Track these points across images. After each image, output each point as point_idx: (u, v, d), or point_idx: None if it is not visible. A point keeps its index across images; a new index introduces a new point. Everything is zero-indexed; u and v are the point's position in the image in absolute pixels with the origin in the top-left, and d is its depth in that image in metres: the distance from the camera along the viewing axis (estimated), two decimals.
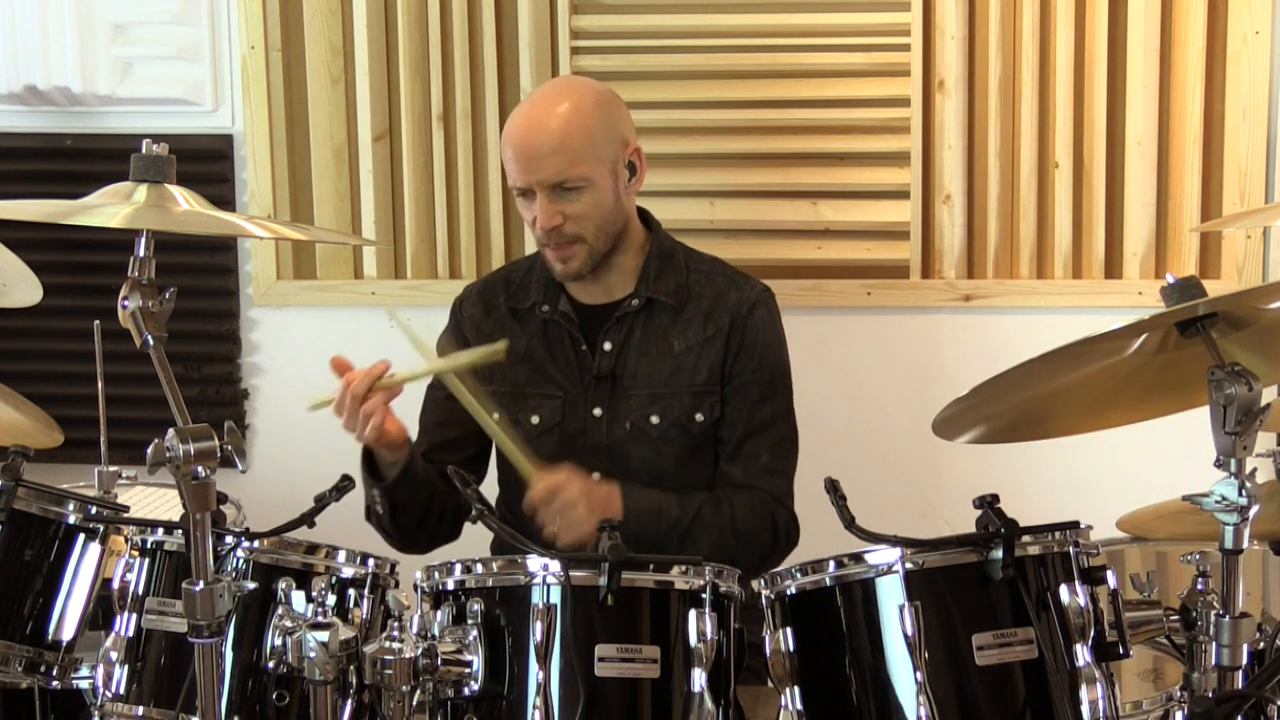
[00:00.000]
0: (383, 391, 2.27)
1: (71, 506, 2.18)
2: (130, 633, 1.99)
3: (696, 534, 2.39)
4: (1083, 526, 1.84)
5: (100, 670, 1.98)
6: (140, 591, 2.00)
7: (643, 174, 2.49)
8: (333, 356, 2.31)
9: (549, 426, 2.50)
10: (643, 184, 2.49)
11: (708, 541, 2.38)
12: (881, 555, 1.79)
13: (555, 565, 1.82)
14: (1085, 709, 1.76)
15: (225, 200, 3.32)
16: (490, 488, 2.58)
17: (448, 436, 2.56)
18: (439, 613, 1.86)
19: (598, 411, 2.48)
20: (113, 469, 2.62)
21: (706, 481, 2.52)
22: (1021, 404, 1.98)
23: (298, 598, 1.86)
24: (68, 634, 2.17)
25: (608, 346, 2.49)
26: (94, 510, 2.19)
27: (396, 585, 2.03)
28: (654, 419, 2.47)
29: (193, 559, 1.66)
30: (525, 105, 2.46)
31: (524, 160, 2.37)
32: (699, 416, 2.48)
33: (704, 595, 1.83)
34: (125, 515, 2.25)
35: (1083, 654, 1.77)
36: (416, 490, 2.41)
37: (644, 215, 2.57)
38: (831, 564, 1.82)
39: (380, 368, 2.28)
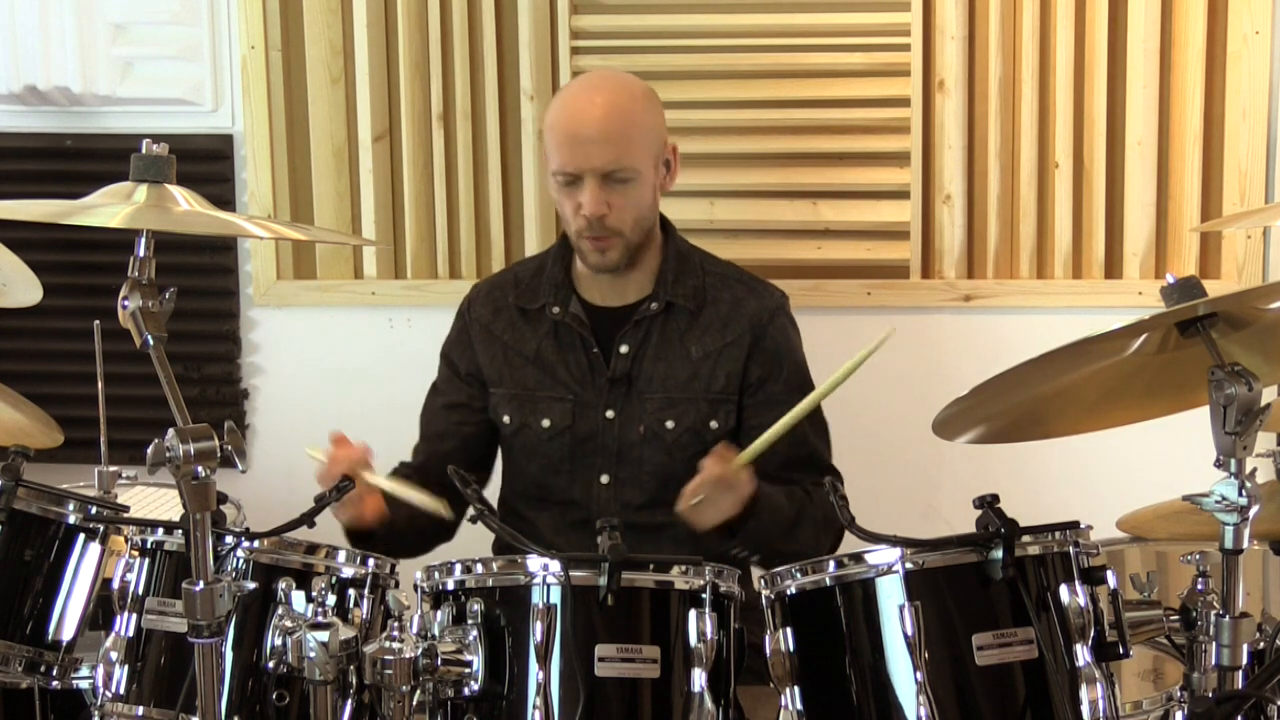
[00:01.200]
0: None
1: (71, 506, 2.18)
2: (130, 633, 1.98)
3: (802, 526, 2.33)
4: (1083, 526, 1.84)
5: (100, 670, 1.98)
6: (140, 591, 2.00)
7: (675, 172, 2.50)
8: (334, 433, 2.22)
9: (560, 430, 2.49)
10: (675, 181, 2.51)
11: (809, 534, 2.33)
12: (881, 555, 1.79)
13: (555, 565, 1.82)
14: (1085, 709, 1.76)
15: (225, 200, 3.31)
16: (488, 489, 2.58)
17: (445, 448, 2.55)
18: (439, 613, 1.86)
19: (610, 414, 2.47)
20: (113, 469, 2.61)
21: None
22: (1021, 404, 1.98)
23: (298, 598, 1.86)
24: (68, 634, 2.16)
25: (624, 349, 2.47)
26: (94, 510, 2.19)
27: (396, 585, 2.03)
28: (669, 424, 2.46)
29: (193, 559, 1.66)
30: (573, 92, 2.48)
31: (577, 145, 2.37)
32: (714, 424, 2.47)
33: (704, 595, 1.83)
34: (125, 515, 2.25)
35: (1083, 654, 1.77)
36: (390, 530, 2.32)
37: (659, 217, 2.55)
38: (831, 564, 1.82)
39: (362, 453, 2.19)
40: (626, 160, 2.37)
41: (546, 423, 2.49)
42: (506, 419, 2.53)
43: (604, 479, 2.48)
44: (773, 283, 2.59)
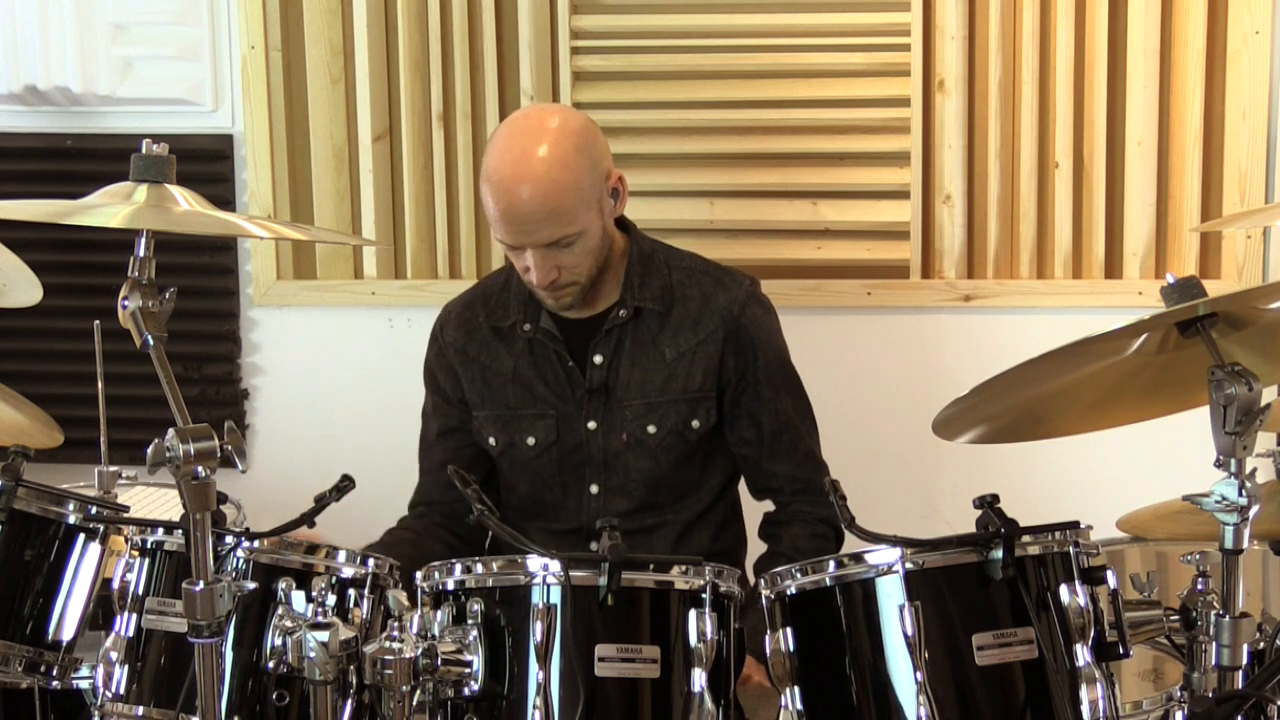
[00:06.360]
0: None
1: (71, 506, 2.18)
2: (130, 633, 1.98)
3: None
4: (1083, 526, 1.84)
5: (100, 670, 1.98)
6: (140, 591, 2.00)
7: (625, 196, 2.42)
8: None
9: (545, 446, 2.48)
10: (625, 204, 2.44)
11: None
12: (881, 555, 1.79)
13: (555, 565, 1.81)
14: (1085, 709, 1.76)
15: (225, 200, 3.32)
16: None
17: (448, 478, 2.53)
18: (439, 613, 1.86)
19: (592, 425, 2.47)
20: (113, 469, 2.61)
21: (702, 485, 2.52)
22: (1021, 404, 1.98)
23: (298, 598, 1.85)
24: (68, 634, 2.16)
25: (598, 359, 2.46)
26: (94, 510, 2.19)
27: (396, 585, 2.03)
28: (651, 428, 2.46)
29: (193, 559, 1.66)
30: (506, 158, 2.32)
31: (514, 223, 2.30)
32: (695, 423, 2.46)
33: (704, 595, 1.83)
34: (125, 515, 2.24)
35: (1083, 654, 1.77)
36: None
37: (619, 220, 2.49)
38: (831, 564, 1.82)
39: None
40: (568, 229, 2.30)
41: (532, 440, 2.49)
42: (492, 440, 2.52)
43: (593, 489, 2.48)
44: (764, 281, 2.57)
